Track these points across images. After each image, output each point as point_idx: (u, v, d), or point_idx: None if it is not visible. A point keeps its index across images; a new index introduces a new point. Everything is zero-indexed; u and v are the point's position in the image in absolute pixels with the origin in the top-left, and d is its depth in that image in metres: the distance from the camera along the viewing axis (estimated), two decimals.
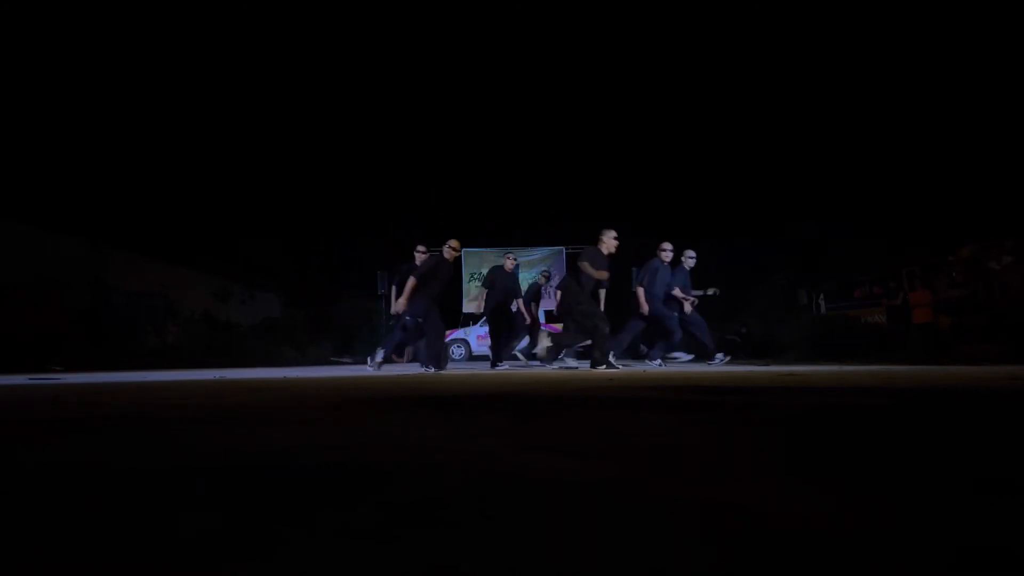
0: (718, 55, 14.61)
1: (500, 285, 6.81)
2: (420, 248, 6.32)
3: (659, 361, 6.27)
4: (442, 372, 5.33)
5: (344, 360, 11.81)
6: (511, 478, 0.77)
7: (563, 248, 14.90)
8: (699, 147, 15.22)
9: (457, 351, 13.37)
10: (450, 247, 5.99)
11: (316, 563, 0.47)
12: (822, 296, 13.02)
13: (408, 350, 13.59)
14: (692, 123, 15.17)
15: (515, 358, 7.56)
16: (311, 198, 15.74)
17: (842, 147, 12.95)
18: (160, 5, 12.47)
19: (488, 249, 14.69)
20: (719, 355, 6.27)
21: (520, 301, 7.00)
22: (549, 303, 10.98)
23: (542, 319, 10.65)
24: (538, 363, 6.75)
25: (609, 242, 5.57)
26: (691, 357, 6.33)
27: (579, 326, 5.45)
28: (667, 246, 6.31)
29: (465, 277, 14.93)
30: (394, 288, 6.41)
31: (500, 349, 7.03)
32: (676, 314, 6.32)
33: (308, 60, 15.12)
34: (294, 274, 15.47)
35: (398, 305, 5.78)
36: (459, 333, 13.54)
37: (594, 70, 16.18)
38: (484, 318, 8.34)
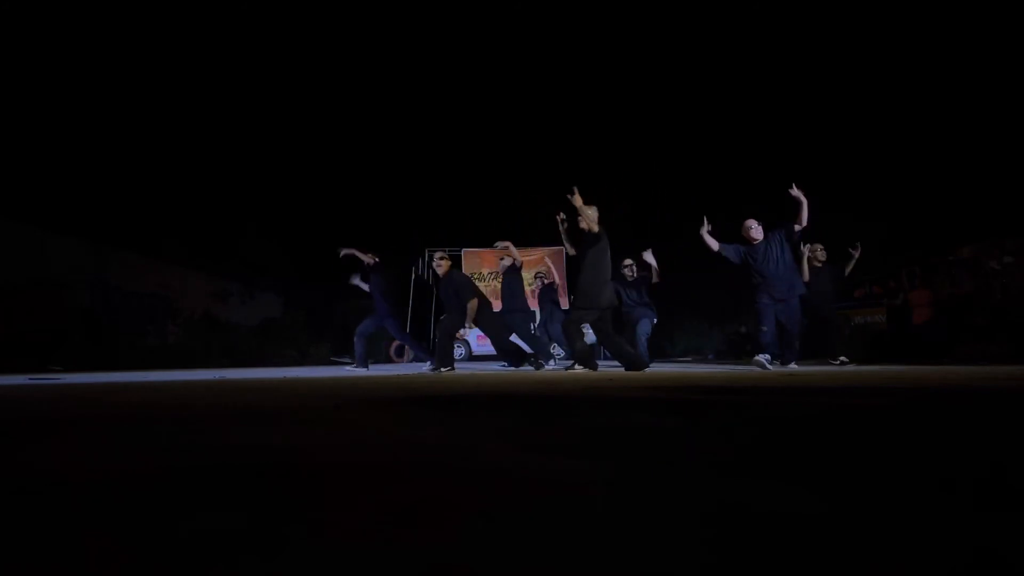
0: (717, 58, 14.63)
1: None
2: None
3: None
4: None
5: (344, 360, 11.82)
6: (511, 478, 0.77)
7: (563, 247, 14.89)
8: (698, 148, 15.23)
9: (457, 351, 13.38)
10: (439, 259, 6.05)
11: (317, 563, 0.47)
12: None
13: (408, 351, 13.60)
14: (690, 125, 15.18)
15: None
16: (311, 198, 15.74)
17: (842, 145, 12.95)
18: (160, 5, 12.48)
19: (488, 249, 14.69)
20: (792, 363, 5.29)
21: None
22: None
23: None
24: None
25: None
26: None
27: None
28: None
29: None
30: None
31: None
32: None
33: (308, 60, 15.13)
34: (294, 274, 15.47)
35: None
36: None
37: (590, 70, 16.20)
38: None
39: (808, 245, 6.04)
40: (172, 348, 9.88)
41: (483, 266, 14.52)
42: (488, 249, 14.70)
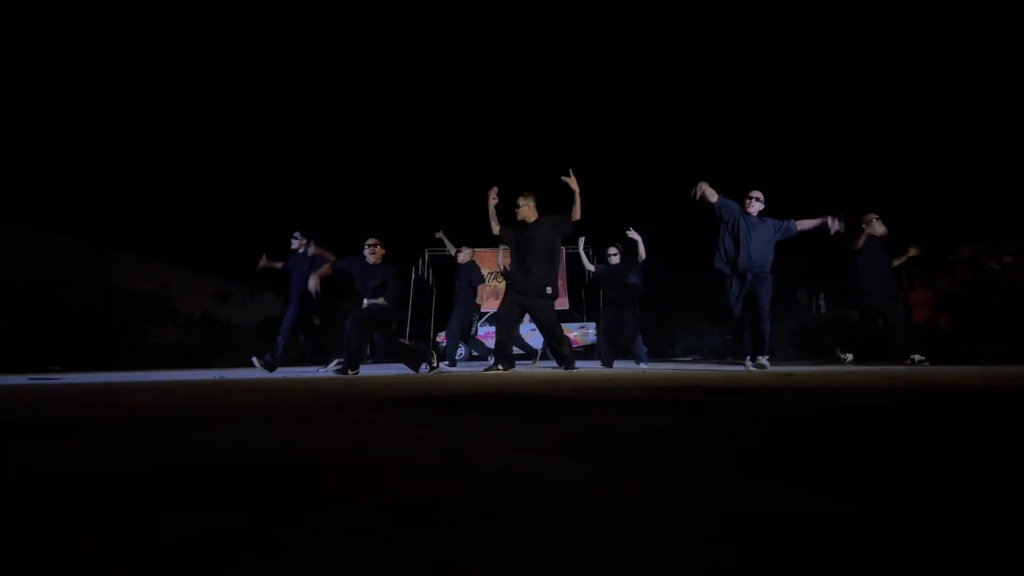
0: (719, 59, 14.66)
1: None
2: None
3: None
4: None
5: (344, 360, 11.80)
6: (511, 478, 0.77)
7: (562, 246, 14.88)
8: (699, 150, 15.24)
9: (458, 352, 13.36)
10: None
11: (317, 563, 0.47)
12: (822, 296, 13.03)
13: None
14: (692, 126, 15.21)
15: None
16: (311, 198, 15.75)
17: (841, 146, 12.97)
18: (160, 5, 12.49)
19: (487, 249, 14.66)
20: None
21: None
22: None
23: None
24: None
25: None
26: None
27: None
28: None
29: None
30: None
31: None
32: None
33: (308, 62, 15.16)
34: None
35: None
36: None
37: (591, 72, 16.22)
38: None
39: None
40: (172, 348, 9.88)
41: (483, 266, 14.53)
42: (488, 249, 14.67)
